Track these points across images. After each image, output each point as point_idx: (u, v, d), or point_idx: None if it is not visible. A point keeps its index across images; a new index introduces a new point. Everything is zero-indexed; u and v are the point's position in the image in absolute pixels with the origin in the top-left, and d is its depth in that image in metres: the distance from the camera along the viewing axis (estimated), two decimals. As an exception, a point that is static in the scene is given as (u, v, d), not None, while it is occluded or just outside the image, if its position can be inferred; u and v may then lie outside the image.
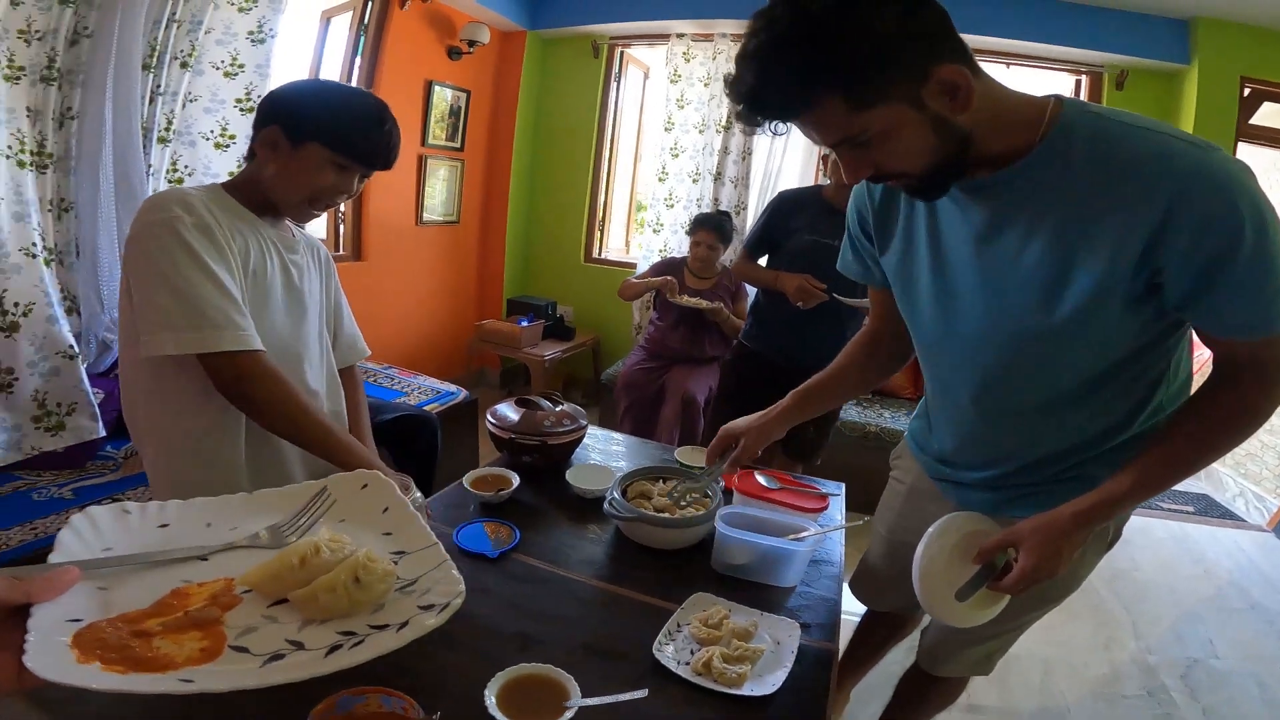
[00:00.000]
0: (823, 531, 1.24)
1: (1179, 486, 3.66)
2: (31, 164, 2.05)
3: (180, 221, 0.97)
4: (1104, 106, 0.84)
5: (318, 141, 1.06)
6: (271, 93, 1.12)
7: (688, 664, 0.93)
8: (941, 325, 1.02)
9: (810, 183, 3.58)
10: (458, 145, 4.04)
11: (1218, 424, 0.86)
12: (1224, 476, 3.80)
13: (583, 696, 0.82)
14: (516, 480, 1.41)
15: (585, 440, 1.78)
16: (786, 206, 2.34)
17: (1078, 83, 3.66)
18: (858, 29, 0.72)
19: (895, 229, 1.05)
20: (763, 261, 2.45)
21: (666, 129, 3.95)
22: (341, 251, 3.53)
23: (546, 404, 1.61)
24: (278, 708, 0.74)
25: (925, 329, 1.05)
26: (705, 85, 3.76)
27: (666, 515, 1.26)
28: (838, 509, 1.51)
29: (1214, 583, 2.80)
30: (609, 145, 4.41)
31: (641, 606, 1.09)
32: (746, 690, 0.89)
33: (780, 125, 0.82)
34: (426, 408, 2.68)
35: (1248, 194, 0.73)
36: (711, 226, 3.08)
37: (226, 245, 1.02)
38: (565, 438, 1.54)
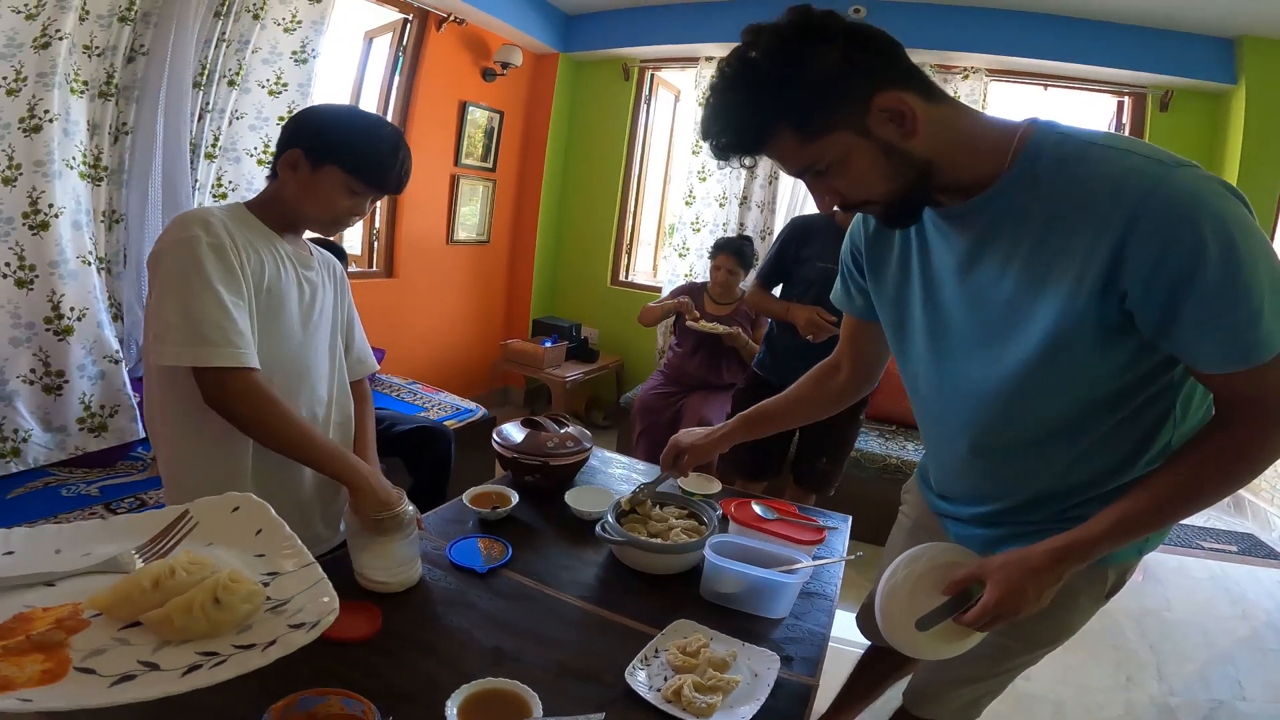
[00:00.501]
0: (814, 564, 1.23)
1: (1221, 526, 3.53)
2: (89, 176, 2.17)
3: (198, 241, 1.03)
4: (1077, 127, 0.82)
5: (336, 165, 1.12)
6: (296, 115, 1.19)
7: (659, 691, 0.93)
8: (931, 358, 1.01)
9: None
10: (490, 166, 4.12)
11: (1206, 467, 0.81)
12: (1270, 515, 3.62)
13: (545, 715, 0.82)
14: (515, 498, 1.43)
15: (592, 462, 1.80)
16: (799, 234, 2.33)
17: (1120, 105, 3.57)
18: (795, 69, 0.78)
19: (890, 262, 1.05)
20: (777, 291, 2.44)
21: (694, 152, 3.99)
22: (374, 268, 3.63)
23: (552, 425, 1.63)
24: (239, 703, 0.77)
25: (915, 362, 1.05)
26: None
27: (658, 540, 1.26)
28: (840, 542, 1.49)
29: (1250, 624, 2.66)
30: (638, 168, 4.46)
31: (624, 630, 1.09)
32: (714, 721, 0.88)
33: (747, 159, 0.87)
34: (444, 423, 2.73)
35: (1212, 212, 0.70)
36: (731, 251, 3.06)
37: (241, 265, 1.07)
38: (568, 459, 1.55)
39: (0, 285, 1.99)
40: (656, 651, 1.02)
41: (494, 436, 1.59)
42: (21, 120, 1.96)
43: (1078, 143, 0.80)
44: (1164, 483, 0.84)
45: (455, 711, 0.81)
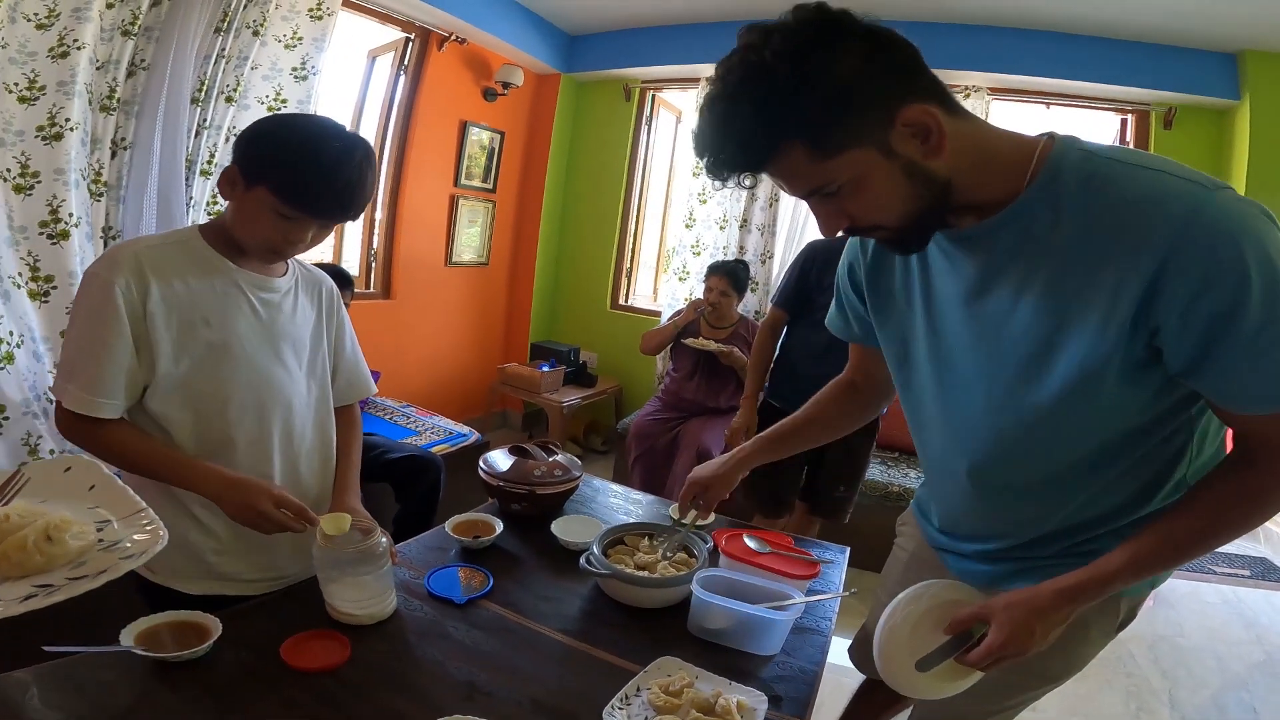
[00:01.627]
0: (807, 600, 1.18)
1: (1233, 550, 3.45)
2: (93, 192, 2.17)
3: (106, 281, 0.99)
4: (1102, 145, 0.76)
5: (264, 186, 1.00)
6: (245, 128, 1.07)
7: (638, 734, 0.88)
8: (936, 391, 0.95)
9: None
10: (490, 186, 4.10)
11: (1225, 508, 0.77)
12: (1284, 538, 3.54)
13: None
14: (500, 527, 1.38)
15: (584, 490, 1.75)
16: (820, 258, 2.25)
17: (1124, 122, 3.54)
18: (814, 74, 0.69)
19: (892, 290, 0.99)
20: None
21: (695, 174, 3.97)
22: (371, 289, 3.60)
23: (540, 454, 1.58)
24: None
25: (918, 395, 0.99)
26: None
27: (644, 574, 1.21)
28: (837, 575, 1.44)
29: (1265, 648, 2.59)
30: (639, 189, 4.43)
31: (605, 667, 1.04)
32: (695, 768, 0.83)
33: (747, 178, 0.78)
34: (436, 448, 2.71)
35: (1256, 240, 0.64)
36: (724, 273, 3.01)
37: (138, 305, 1.01)
38: (554, 488, 1.51)
39: (14, 295, 1.97)
40: (638, 690, 0.97)
41: (480, 464, 1.55)
42: (40, 129, 1.95)
43: (1103, 161, 0.74)
44: (1181, 524, 0.79)
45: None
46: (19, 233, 1.97)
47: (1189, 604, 2.91)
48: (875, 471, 3.16)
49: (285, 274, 1.20)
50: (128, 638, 0.90)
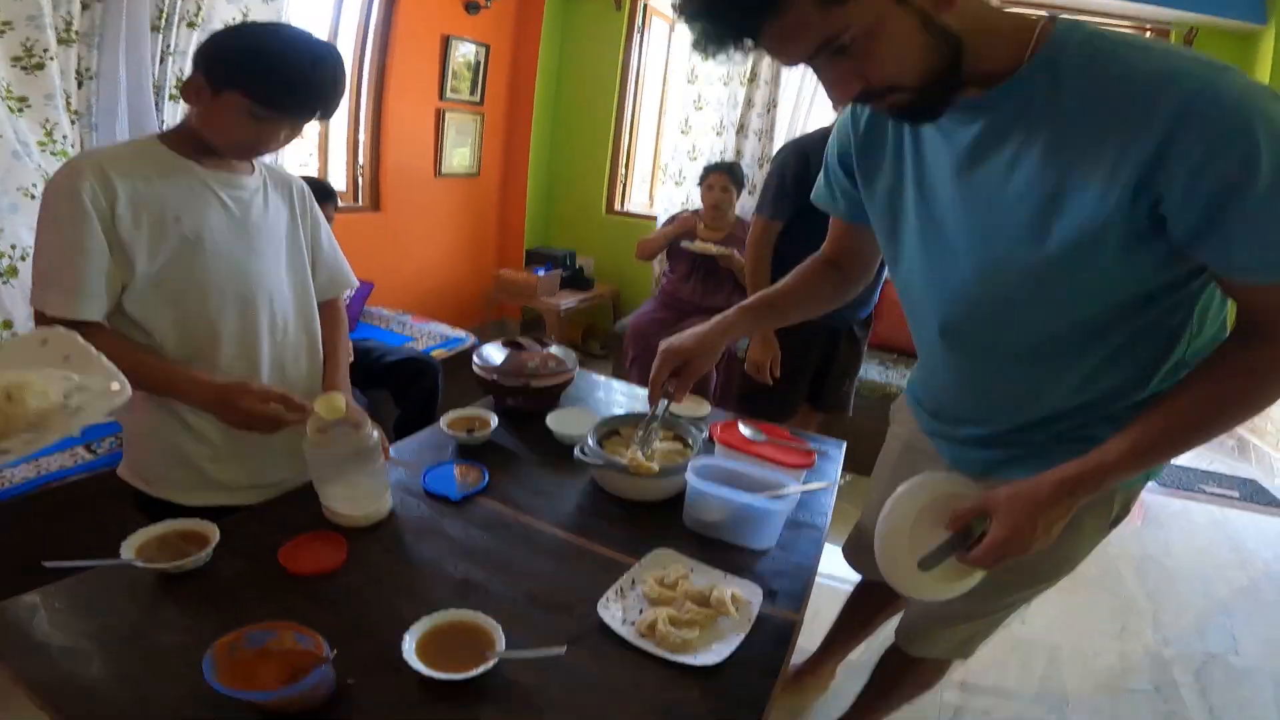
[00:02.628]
0: (802, 489, 1.17)
1: (1224, 470, 3.48)
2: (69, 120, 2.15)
3: (71, 188, 0.97)
4: (1104, 29, 0.73)
5: (236, 90, 1.00)
6: (207, 39, 1.07)
7: (633, 624, 0.88)
8: (924, 264, 0.93)
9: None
10: (478, 99, 3.98)
11: (1227, 388, 0.74)
12: (1275, 460, 3.55)
13: (508, 648, 0.78)
14: (495, 422, 1.37)
15: (579, 385, 1.73)
16: (799, 158, 2.13)
17: (1142, 40, 3.37)
18: None
19: (882, 164, 0.96)
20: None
21: (690, 81, 3.85)
22: (359, 202, 3.55)
23: (535, 345, 1.55)
24: (193, 640, 0.75)
25: (907, 269, 0.97)
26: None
27: (639, 464, 1.19)
28: (833, 469, 1.43)
29: (1249, 573, 2.63)
30: (632, 98, 4.31)
31: (602, 560, 1.04)
32: (690, 658, 0.83)
33: (743, 42, 0.70)
34: (433, 353, 2.70)
35: (1266, 116, 0.62)
36: (724, 170, 3.00)
37: (124, 212, 1.00)
38: (550, 380, 1.48)
39: (27, 206, 1.97)
40: (633, 583, 0.97)
41: (474, 358, 1.52)
42: (17, 59, 1.93)
43: (1108, 42, 0.70)
44: (1181, 405, 0.76)
45: (414, 644, 0.77)
46: (24, 148, 1.97)
47: (1178, 524, 2.95)
48: (873, 372, 3.14)
49: (253, 173, 1.18)
50: (128, 550, 0.89)
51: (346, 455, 1.02)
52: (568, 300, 3.89)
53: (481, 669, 0.74)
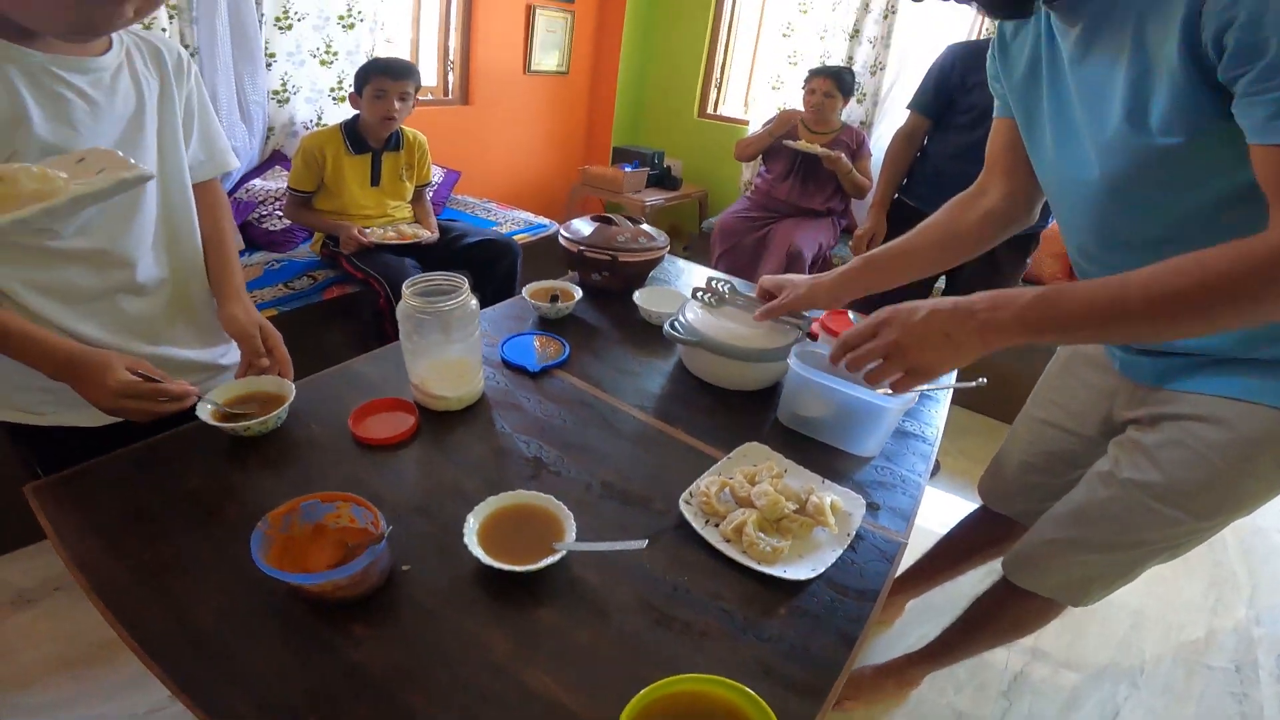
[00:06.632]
0: (923, 389, 1.01)
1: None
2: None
3: None
4: None
5: None
6: None
7: (716, 526, 0.79)
8: (1056, 154, 0.89)
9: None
10: None
11: (1221, 262, 0.62)
12: None
13: (577, 540, 0.70)
14: (579, 294, 1.28)
15: (666, 268, 1.61)
16: (962, 59, 2.12)
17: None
18: None
19: (1020, 62, 0.94)
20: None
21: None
22: (449, 96, 3.51)
23: (625, 221, 1.42)
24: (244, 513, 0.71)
25: (1044, 159, 0.93)
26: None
27: (735, 343, 1.07)
28: (948, 376, 1.26)
29: None
30: (731, 1, 3.94)
31: (685, 450, 0.95)
32: (777, 570, 0.73)
33: None
34: (516, 237, 2.67)
35: None
36: (829, 74, 2.80)
37: None
38: (639, 255, 1.36)
39: None
40: (719, 479, 0.87)
41: (561, 231, 1.41)
42: None
43: None
44: (1170, 266, 0.65)
45: (476, 526, 0.71)
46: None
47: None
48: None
49: (108, 50, 0.94)
50: (204, 410, 0.86)
51: (437, 317, 0.90)
52: (653, 197, 3.78)
53: (546, 561, 0.67)
